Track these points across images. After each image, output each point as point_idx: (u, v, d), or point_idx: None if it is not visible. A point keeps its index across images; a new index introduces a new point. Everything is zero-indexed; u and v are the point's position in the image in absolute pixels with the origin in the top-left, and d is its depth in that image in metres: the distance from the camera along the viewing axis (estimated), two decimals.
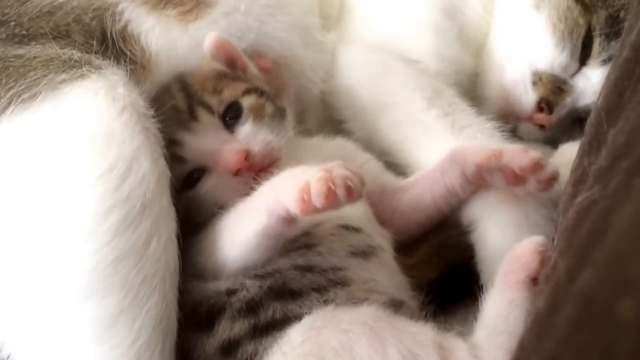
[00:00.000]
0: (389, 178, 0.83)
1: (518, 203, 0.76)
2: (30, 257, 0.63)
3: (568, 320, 0.30)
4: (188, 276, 0.70)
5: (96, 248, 0.62)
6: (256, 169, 0.71)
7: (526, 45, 0.95)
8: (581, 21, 0.92)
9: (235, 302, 0.66)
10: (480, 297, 0.67)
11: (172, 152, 0.72)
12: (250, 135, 0.73)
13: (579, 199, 0.45)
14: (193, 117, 0.74)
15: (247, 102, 0.76)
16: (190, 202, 0.73)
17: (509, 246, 0.68)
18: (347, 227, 0.72)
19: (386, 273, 0.71)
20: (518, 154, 0.69)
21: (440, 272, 0.80)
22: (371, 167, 0.83)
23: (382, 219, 0.78)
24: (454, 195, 0.78)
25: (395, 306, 0.66)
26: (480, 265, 0.76)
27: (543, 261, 0.62)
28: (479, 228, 0.78)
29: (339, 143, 0.84)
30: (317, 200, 0.57)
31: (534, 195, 0.75)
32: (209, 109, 0.74)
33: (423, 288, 0.74)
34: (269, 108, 0.76)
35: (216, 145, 0.72)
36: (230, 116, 0.74)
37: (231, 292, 0.67)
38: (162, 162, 0.68)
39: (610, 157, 0.43)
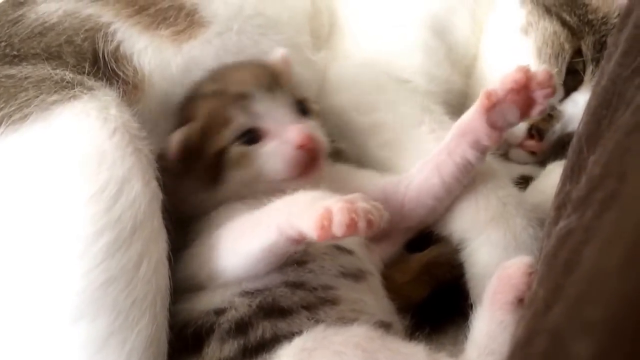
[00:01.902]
0: (388, 178, 0.84)
1: (507, 222, 0.78)
2: (21, 278, 0.64)
3: (537, 356, 0.32)
4: (175, 299, 0.72)
5: (87, 270, 0.63)
6: (313, 155, 0.75)
7: None
8: (567, 46, 0.95)
9: (224, 322, 0.66)
10: (471, 315, 0.68)
11: (243, 104, 0.76)
12: (315, 130, 0.78)
13: (560, 225, 0.47)
14: (274, 88, 0.78)
15: (314, 105, 0.83)
16: (241, 158, 0.76)
17: (498, 265, 0.70)
18: (340, 249, 0.73)
19: (374, 297, 0.72)
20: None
21: (431, 290, 0.82)
22: (367, 174, 0.85)
23: (393, 219, 0.76)
24: (464, 169, 0.78)
25: (385, 327, 0.67)
26: (470, 283, 0.79)
27: (531, 282, 0.64)
28: (469, 247, 0.80)
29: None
30: (338, 229, 0.59)
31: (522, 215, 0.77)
32: (289, 90, 0.80)
33: (414, 306, 0.76)
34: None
35: (289, 117, 0.77)
36: (301, 107, 0.80)
37: (220, 312, 0.67)
38: (154, 184, 0.70)
39: (587, 187, 0.45)
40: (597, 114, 0.55)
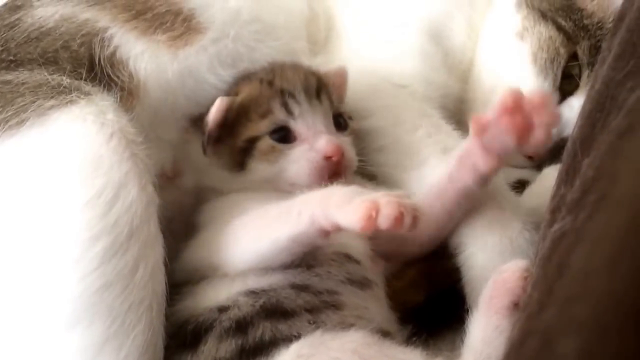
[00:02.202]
0: None
1: (503, 227, 0.79)
2: (16, 284, 0.65)
3: (529, 356, 0.32)
4: (175, 298, 0.72)
5: (83, 275, 0.63)
6: (338, 170, 0.77)
7: (511, 75, 0.99)
8: (562, 51, 0.95)
9: (225, 320, 0.67)
10: (467, 320, 0.69)
11: (285, 101, 0.79)
12: (347, 145, 0.80)
13: (554, 228, 0.47)
14: (318, 95, 0.81)
15: (352, 123, 0.85)
16: (270, 152, 0.78)
17: (494, 269, 0.71)
18: (349, 257, 0.74)
19: (378, 306, 0.73)
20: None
21: (428, 295, 0.83)
22: None
23: (396, 244, 0.80)
24: (465, 196, 0.78)
25: (384, 334, 0.67)
26: (467, 288, 0.79)
27: (526, 286, 0.64)
28: (465, 252, 0.80)
29: None
30: (384, 221, 0.60)
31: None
32: (331, 101, 0.82)
33: (410, 311, 0.76)
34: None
35: (323, 127, 0.79)
36: (338, 121, 0.83)
37: (223, 310, 0.68)
38: (151, 189, 0.70)
39: (580, 190, 0.46)
40: (591, 117, 0.55)
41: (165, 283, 0.70)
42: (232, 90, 0.85)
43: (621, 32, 0.56)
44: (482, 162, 0.75)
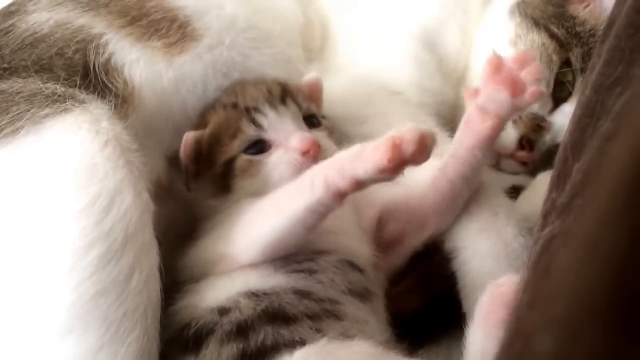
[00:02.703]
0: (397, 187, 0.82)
1: (497, 232, 0.80)
2: (10, 291, 0.65)
3: (512, 357, 0.33)
4: (176, 296, 0.73)
5: (77, 282, 0.63)
6: (318, 162, 0.76)
7: None
8: (555, 58, 0.97)
9: (226, 323, 0.67)
10: (464, 325, 0.69)
11: (252, 117, 0.81)
12: (322, 138, 0.81)
13: (545, 231, 0.48)
14: (283, 102, 0.83)
15: (325, 121, 0.86)
16: (249, 166, 0.80)
17: (489, 273, 0.73)
18: (352, 265, 0.74)
19: (376, 319, 0.73)
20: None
21: (425, 300, 0.83)
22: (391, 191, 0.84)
23: (402, 226, 0.81)
24: (469, 165, 0.79)
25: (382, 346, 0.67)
26: (462, 292, 0.80)
27: None
28: (460, 256, 0.81)
29: None
30: (409, 146, 0.61)
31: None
32: (298, 105, 0.83)
33: (407, 317, 0.77)
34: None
35: (294, 128, 0.81)
36: (311, 121, 0.84)
37: (224, 312, 0.68)
38: (146, 196, 0.70)
39: (570, 194, 0.47)
40: (581, 122, 0.56)
41: (160, 290, 0.70)
42: (200, 123, 0.86)
43: (610, 39, 0.57)
44: (481, 124, 0.76)
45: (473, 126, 0.77)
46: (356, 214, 0.80)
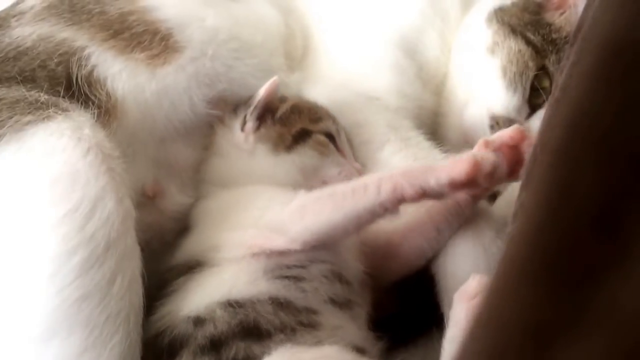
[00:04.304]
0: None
1: (476, 235, 0.81)
2: None
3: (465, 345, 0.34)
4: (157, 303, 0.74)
5: (60, 287, 0.65)
6: None
7: (482, 89, 1.02)
8: (531, 64, 0.99)
9: (200, 337, 0.68)
10: (441, 327, 0.71)
11: (332, 118, 0.92)
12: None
13: (509, 230, 0.49)
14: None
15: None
16: (323, 146, 0.88)
17: (467, 276, 0.73)
18: (340, 277, 0.76)
19: (354, 326, 0.74)
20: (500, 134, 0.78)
21: (402, 303, 0.85)
22: None
23: (383, 264, 0.83)
24: (454, 212, 0.81)
25: (359, 351, 0.69)
26: (440, 295, 0.81)
27: None
28: (439, 259, 0.83)
29: None
30: (487, 166, 0.68)
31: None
32: None
33: (385, 319, 0.78)
34: None
35: (350, 153, 0.92)
36: None
37: (198, 322, 0.69)
38: (128, 202, 0.72)
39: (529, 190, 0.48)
40: (551, 123, 0.58)
41: (143, 295, 0.71)
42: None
43: (578, 42, 0.59)
44: None
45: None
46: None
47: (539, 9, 1.06)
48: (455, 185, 0.68)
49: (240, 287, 0.71)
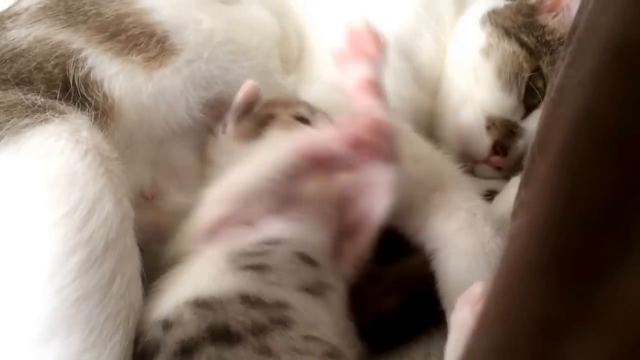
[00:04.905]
0: None
1: (475, 232, 0.82)
2: None
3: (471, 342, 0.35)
4: None
5: (59, 287, 0.64)
6: None
7: (478, 90, 1.03)
8: (525, 65, 1.00)
9: (170, 342, 0.64)
10: (442, 323, 0.72)
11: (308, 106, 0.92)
12: None
13: (512, 226, 0.50)
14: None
15: None
16: (289, 124, 0.88)
17: (467, 272, 0.76)
18: (305, 258, 0.73)
19: (331, 316, 0.70)
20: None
21: (403, 301, 0.85)
22: None
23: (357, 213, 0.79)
24: None
25: (333, 357, 0.65)
26: (441, 291, 0.82)
27: None
28: (439, 256, 0.83)
29: None
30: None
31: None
32: None
33: (385, 318, 0.79)
34: None
35: None
36: None
37: (167, 326, 0.66)
38: (126, 203, 0.71)
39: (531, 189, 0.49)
40: (547, 123, 0.59)
41: (142, 296, 0.71)
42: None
43: (573, 43, 0.60)
44: None
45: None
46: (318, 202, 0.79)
47: (532, 12, 1.07)
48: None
49: (207, 282, 0.69)
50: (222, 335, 0.64)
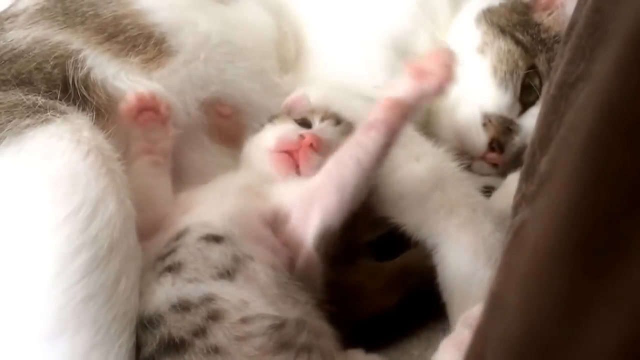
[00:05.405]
0: None
1: (476, 228, 0.83)
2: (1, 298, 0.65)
3: (483, 328, 0.35)
4: None
5: (66, 287, 0.64)
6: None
7: (474, 88, 1.03)
8: (521, 63, 1.00)
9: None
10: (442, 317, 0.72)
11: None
12: None
13: (515, 220, 0.50)
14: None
15: None
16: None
17: (468, 266, 0.77)
18: (209, 238, 0.70)
19: (257, 289, 0.67)
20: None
21: (404, 296, 0.85)
22: None
23: None
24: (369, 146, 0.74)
25: (277, 329, 0.64)
26: (442, 285, 0.82)
27: None
28: (440, 251, 0.84)
29: None
30: None
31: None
32: None
33: (386, 313, 0.79)
34: None
35: None
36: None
37: (139, 347, 0.67)
38: (128, 203, 0.71)
39: (538, 183, 0.49)
40: (547, 119, 0.59)
41: None
42: None
43: (572, 39, 0.60)
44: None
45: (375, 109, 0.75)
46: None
47: (527, 10, 1.07)
48: None
49: (147, 300, 0.68)
50: (171, 346, 0.64)
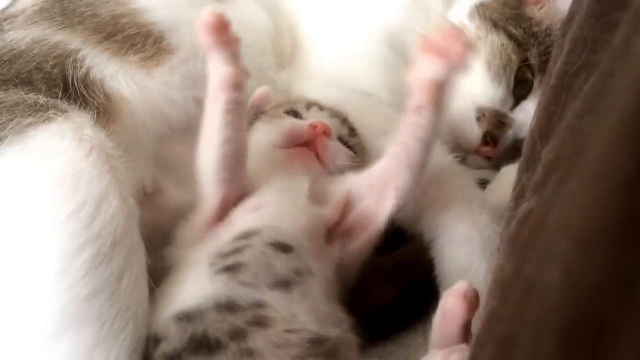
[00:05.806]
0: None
1: (472, 220, 0.83)
2: (5, 295, 0.65)
3: (514, 311, 0.35)
4: None
5: (70, 284, 0.63)
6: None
7: (468, 82, 1.02)
8: (514, 57, 1.00)
9: (158, 356, 0.64)
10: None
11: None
12: None
13: (520, 210, 0.50)
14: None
15: None
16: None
17: (465, 259, 0.77)
18: (278, 246, 0.69)
19: (308, 305, 0.66)
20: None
21: (402, 290, 0.85)
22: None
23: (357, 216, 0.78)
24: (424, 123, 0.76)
25: (317, 345, 0.63)
26: (440, 278, 0.82)
27: (471, 304, 0.65)
28: (438, 245, 0.83)
29: None
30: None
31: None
32: None
33: (384, 307, 0.78)
34: None
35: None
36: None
37: (157, 341, 0.66)
38: (131, 201, 0.71)
39: (544, 172, 0.49)
40: (548, 109, 0.59)
41: (149, 291, 0.70)
42: None
43: (572, 30, 0.60)
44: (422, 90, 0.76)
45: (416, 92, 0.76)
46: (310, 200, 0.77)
47: (519, 4, 1.07)
48: None
49: (191, 293, 0.67)
50: (203, 345, 0.62)
